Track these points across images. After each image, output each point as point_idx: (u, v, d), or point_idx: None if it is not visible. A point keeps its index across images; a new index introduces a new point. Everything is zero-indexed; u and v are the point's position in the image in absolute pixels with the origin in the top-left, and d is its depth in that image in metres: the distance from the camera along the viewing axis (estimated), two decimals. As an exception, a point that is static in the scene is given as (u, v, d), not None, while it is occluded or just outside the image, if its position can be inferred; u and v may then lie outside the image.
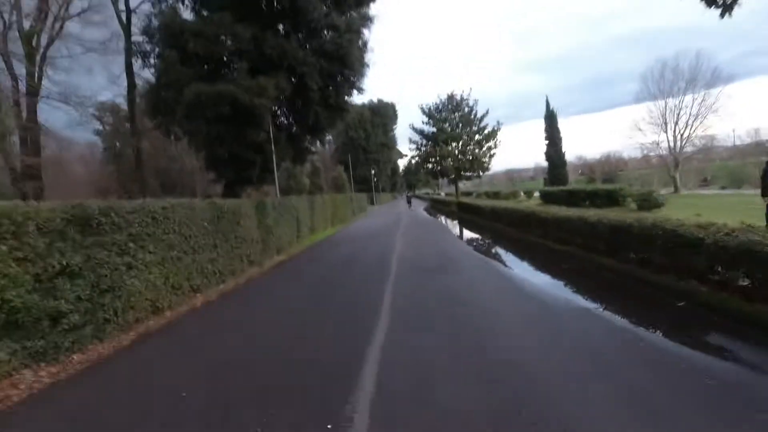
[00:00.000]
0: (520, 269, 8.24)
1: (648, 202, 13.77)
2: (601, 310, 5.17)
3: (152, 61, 14.30)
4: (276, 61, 13.19)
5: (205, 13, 13.48)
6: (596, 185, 20.41)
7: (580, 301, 5.66)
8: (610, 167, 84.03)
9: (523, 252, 10.38)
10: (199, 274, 7.67)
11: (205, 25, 12.08)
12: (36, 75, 18.87)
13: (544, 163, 50.20)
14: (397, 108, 68.42)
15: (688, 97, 28.77)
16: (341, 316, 5.69)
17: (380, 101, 65.71)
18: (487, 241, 13.46)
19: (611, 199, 15.74)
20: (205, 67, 13.11)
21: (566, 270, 7.52)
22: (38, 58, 17.68)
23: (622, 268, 6.43)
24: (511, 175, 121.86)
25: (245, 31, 12.13)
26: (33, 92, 14.62)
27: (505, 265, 8.69)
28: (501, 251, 11.09)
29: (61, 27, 20.31)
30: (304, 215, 16.07)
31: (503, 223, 14.50)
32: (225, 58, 12.87)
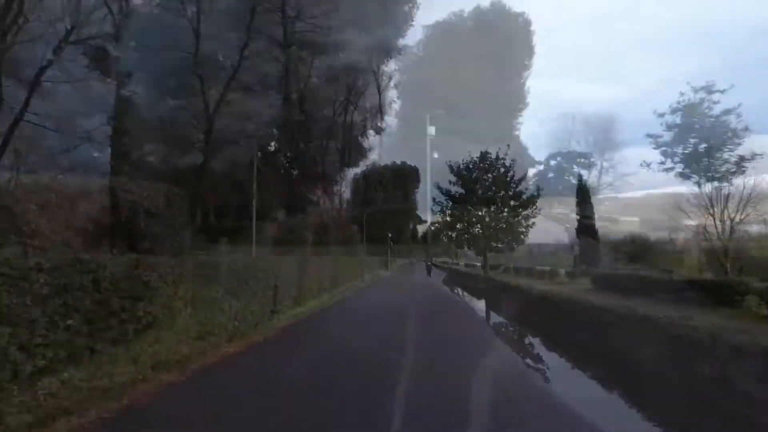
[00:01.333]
0: None
1: (804, 311, 8.82)
2: None
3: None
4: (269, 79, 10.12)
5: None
6: (692, 274, 15.50)
7: None
8: (635, 248, 78.76)
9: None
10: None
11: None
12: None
13: (564, 240, 46.36)
14: (420, 173, 66.39)
15: (738, 180, 25.84)
16: None
17: (404, 163, 64.40)
18: (594, 383, 7.21)
19: (721, 294, 10.88)
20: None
21: None
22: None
23: None
24: (531, 248, 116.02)
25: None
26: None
27: None
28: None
29: (61, 49, 18.78)
30: (287, 281, 11.89)
31: (588, 334, 9.62)
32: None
